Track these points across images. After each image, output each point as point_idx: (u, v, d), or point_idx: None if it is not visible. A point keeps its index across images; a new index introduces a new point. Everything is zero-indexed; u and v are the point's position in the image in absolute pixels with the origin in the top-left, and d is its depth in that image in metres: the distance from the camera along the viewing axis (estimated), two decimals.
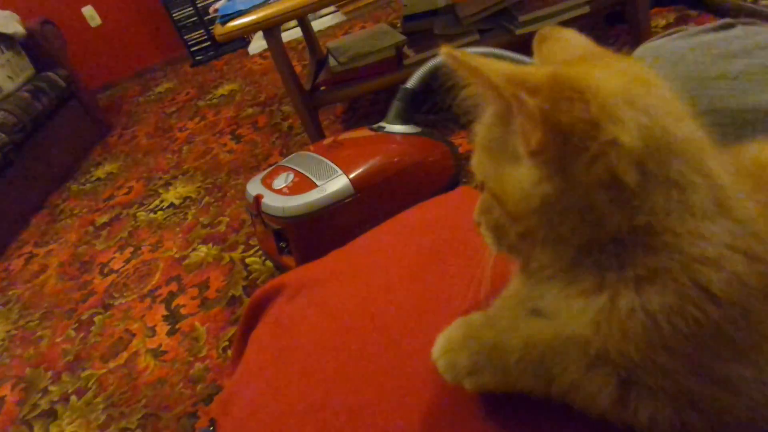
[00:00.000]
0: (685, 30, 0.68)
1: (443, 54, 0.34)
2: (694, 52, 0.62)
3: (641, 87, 0.33)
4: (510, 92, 0.31)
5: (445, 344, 0.40)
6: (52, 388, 1.62)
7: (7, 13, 2.97)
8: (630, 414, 0.34)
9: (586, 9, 1.93)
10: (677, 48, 0.65)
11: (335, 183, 1.43)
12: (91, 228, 2.41)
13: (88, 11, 4.06)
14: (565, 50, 0.38)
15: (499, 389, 0.38)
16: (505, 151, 0.34)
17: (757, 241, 0.32)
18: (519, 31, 1.96)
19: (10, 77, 2.85)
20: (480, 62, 0.32)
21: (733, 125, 0.54)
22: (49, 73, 3.03)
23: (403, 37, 2.11)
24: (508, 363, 0.36)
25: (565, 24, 1.96)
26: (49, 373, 1.68)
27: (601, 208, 0.31)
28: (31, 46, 3.02)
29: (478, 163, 0.37)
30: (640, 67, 0.35)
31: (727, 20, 0.66)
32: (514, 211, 0.34)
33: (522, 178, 0.33)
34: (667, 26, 2.11)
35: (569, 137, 0.31)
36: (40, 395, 1.61)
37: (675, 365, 0.32)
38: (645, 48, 0.69)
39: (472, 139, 0.38)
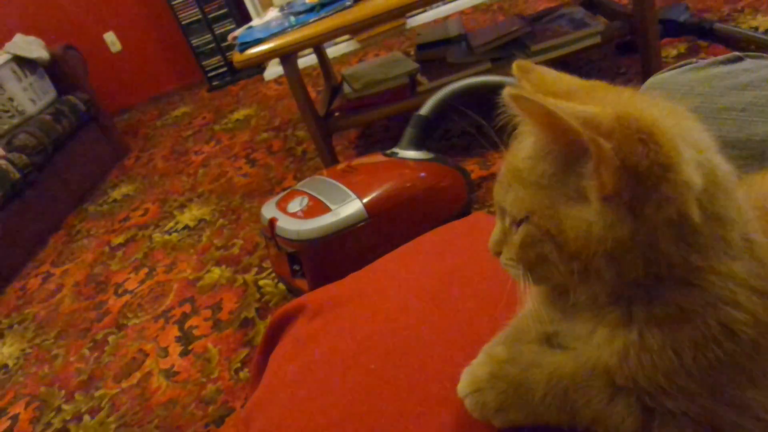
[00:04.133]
0: (694, 62, 0.70)
1: (507, 95, 0.33)
2: (703, 85, 0.64)
3: (685, 122, 0.34)
4: (588, 136, 0.31)
5: (471, 382, 0.40)
6: (65, 407, 1.64)
7: (31, 38, 3.07)
8: None
9: (597, 39, 1.96)
10: (687, 80, 0.66)
11: (349, 207, 1.45)
12: (107, 249, 2.44)
13: (109, 37, 4.17)
14: (559, 81, 0.38)
15: (526, 423, 0.39)
16: (564, 190, 0.34)
17: None
18: (531, 61, 1.99)
19: (32, 100, 2.93)
20: (553, 104, 0.32)
21: (740, 156, 0.56)
22: (70, 97, 3.11)
23: (416, 65, 2.15)
24: (533, 399, 0.38)
25: (577, 54, 2.00)
26: (63, 392, 1.70)
27: (664, 246, 0.32)
28: (54, 71, 3.10)
29: (518, 198, 0.36)
30: (668, 101, 0.36)
31: (736, 53, 0.68)
32: (576, 251, 0.34)
33: (592, 220, 0.33)
34: (678, 56, 2.13)
35: (643, 180, 0.31)
36: (53, 414, 1.63)
37: (696, 389, 0.34)
38: (655, 80, 0.71)
39: (509, 172, 0.37)
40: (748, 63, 0.66)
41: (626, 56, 2.27)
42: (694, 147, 0.32)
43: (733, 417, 0.34)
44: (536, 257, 0.36)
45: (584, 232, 0.33)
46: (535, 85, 0.37)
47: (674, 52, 2.17)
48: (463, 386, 0.41)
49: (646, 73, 1.95)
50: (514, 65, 0.39)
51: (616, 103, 0.33)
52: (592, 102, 0.33)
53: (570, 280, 0.35)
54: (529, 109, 0.33)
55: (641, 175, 0.31)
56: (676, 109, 0.35)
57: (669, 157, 0.31)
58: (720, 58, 0.68)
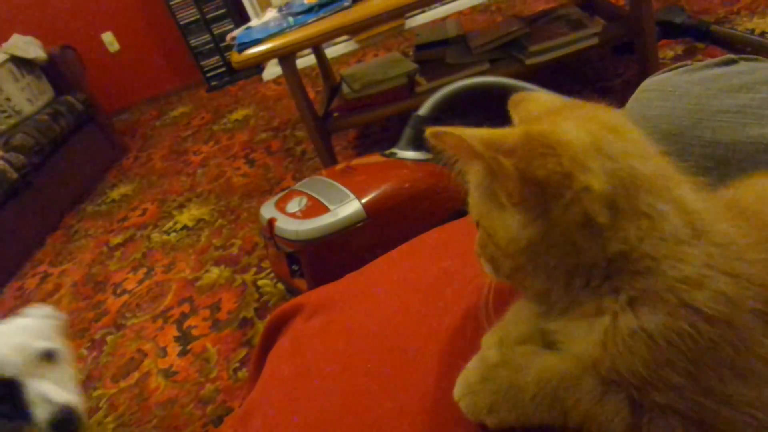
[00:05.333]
0: (689, 65, 0.71)
1: (428, 135, 0.39)
2: (698, 87, 0.64)
3: (608, 133, 0.37)
4: (489, 156, 0.36)
5: (465, 386, 0.43)
6: None
7: (28, 38, 3.06)
8: None
9: (595, 40, 1.97)
10: (682, 82, 0.67)
11: (348, 207, 1.46)
12: (105, 249, 2.45)
13: (107, 37, 4.17)
14: (539, 107, 0.43)
15: (518, 424, 0.40)
16: (494, 198, 0.39)
17: (742, 263, 0.35)
18: (529, 62, 2.00)
19: (29, 100, 2.93)
20: (461, 132, 0.37)
21: (735, 158, 0.56)
22: (68, 97, 3.11)
23: (415, 66, 2.15)
24: (524, 400, 0.39)
25: (574, 55, 2.00)
26: None
27: (578, 242, 0.36)
28: (52, 70, 3.10)
29: (473, 204, 0.42)
30: (609, 114, 0.39)
31: (730, 56, 0.68)
32: (505, 250, 0.38)
33: (509, 222, 0.38)
34: (675, 58, 2.14)
35: (545, 188, 0.35)
36: None
37: (681, 382, 0.34)
38: (651, 82, 0.71)
39: (470, 182, 0.42)
40: (742, 65, 0.66)
41: (624, 58, 2.28)
42: (609, 155, 0.36)
43: (724, 412, 0.34)
44: (490, 257, 0.41)
45: (507, 233, 0.38)
46: (521, 117, 0.42)
47: (671, 53, 2.17)
48: (457, 390, 0.43)
49: (643, 75, 1.95)
50: (510, 101, 0.44)
51: (549, 121, 0.38)
52: (562, 121, 0.38)
53: (515, 276, 0.40)
54: (447, 140, 0.38)
55: (542, 184, 0.35)
56: (606, 120, 0.38)
57: (566, 167, 0.35)
58: (715, 60, 0.69)
